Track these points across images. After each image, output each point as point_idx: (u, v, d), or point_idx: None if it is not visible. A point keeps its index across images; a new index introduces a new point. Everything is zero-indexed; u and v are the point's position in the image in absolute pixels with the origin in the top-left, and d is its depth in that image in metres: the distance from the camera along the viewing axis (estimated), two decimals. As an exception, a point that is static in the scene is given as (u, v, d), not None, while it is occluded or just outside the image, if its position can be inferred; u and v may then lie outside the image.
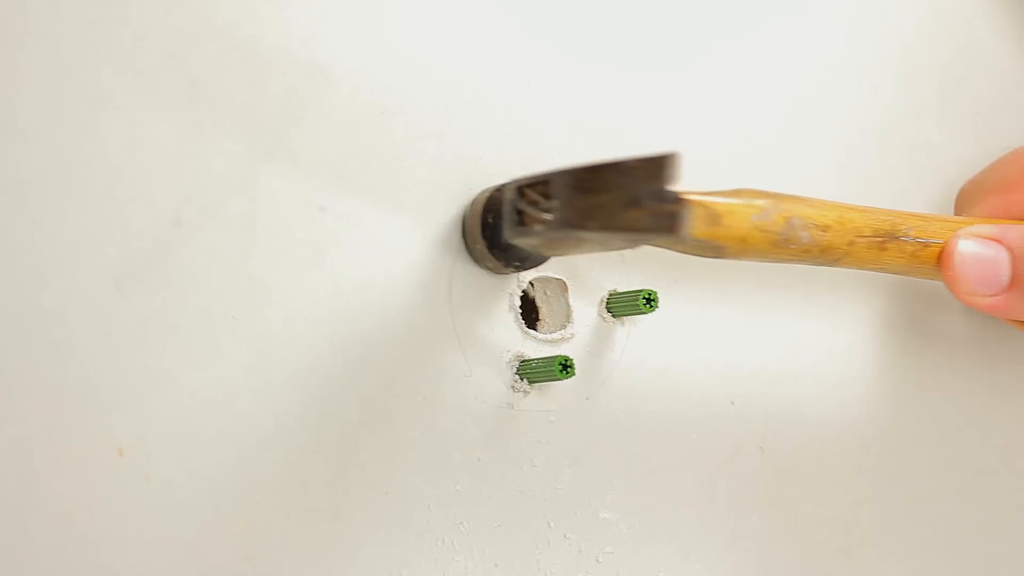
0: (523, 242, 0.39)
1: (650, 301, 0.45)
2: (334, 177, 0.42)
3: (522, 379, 0.45)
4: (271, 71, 0.41)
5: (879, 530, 0.52)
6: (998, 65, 0.56)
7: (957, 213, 0.52)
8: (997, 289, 0.45)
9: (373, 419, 0.42)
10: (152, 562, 0.38)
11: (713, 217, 0.40)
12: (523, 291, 0.46)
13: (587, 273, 0.47)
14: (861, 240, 0.44)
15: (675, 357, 0.48)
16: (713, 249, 0.41)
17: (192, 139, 0.39)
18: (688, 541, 0.48)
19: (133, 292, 0.38)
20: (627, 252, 0.47)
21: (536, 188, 0.38)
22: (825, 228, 0.42)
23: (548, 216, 0.37)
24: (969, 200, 0.51)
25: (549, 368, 0.44)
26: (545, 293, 0.47)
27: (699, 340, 0.49)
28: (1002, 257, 0.45)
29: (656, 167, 0.36)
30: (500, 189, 0.42)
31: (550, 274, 0.46)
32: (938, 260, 0.46)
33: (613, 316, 0.47)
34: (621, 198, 0.36)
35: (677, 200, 0.36)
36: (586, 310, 0.47)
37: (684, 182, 0.37)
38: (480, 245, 0.43)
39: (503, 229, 0.39)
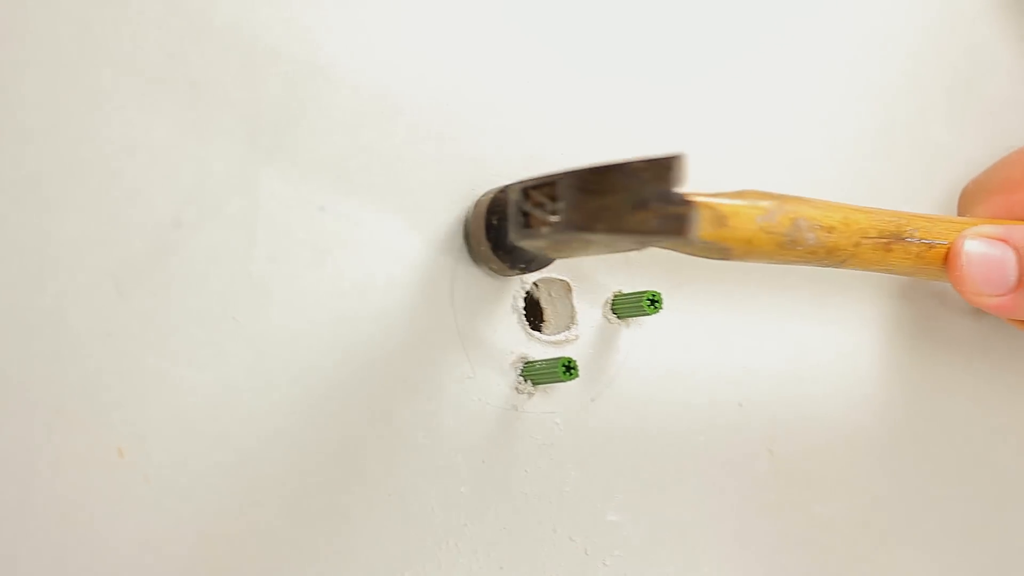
0: (529, 244, 0.39)
1: (654, 303, 0.45)
2: (335, 178, 0.42)
3: (526, 381, 0.45)
4: (271, 71, 0.41)
5: (891, 533, 0.52)
6: (1005, 65, 0.56)
7: (960, 214, 0.52)
8: (1004, 289, 0.45)
9: (375, 421, 0.42)
10: (152, 564, 0.38)
11: (719, 219, 0.40)
12: (527, 292, 0.46)
13: (592, 274, 0.46)
14: (866, 241, 0.43)
15: (682, 359, 0.48)
16: (719, 251, 0.41)
17: (192, 140, 0.39)
18: (696, 544, 0.48)
19: (133, 293, 0.38)
20: (632, 254, 0.47)
21: (541, 190, 0.38)
22: (830, 229, 0.42)
23: (554, 218, 0.37)
24: (972, 200, 0.51)
25: (552, 370, 0.43)
26: (549, 294, 0.47)
27: (706, 342, 0.49)
28: (1009, 257, 0.45)
29: (663, 168, 0.36)
30: (504, 190, 0.42)
31: (554, 275, 0.46)
32: (944, 261, 0.46)
33: (618, 318, 0.47)
34: (628, 200, 0.36)
35: (685, 202, 0.36)
36: (590, 312, 0.47)
37: (689, 183, 0.36)
38: (484, 247, 0.42)
39: (509, 231, 0.39)
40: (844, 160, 0.53)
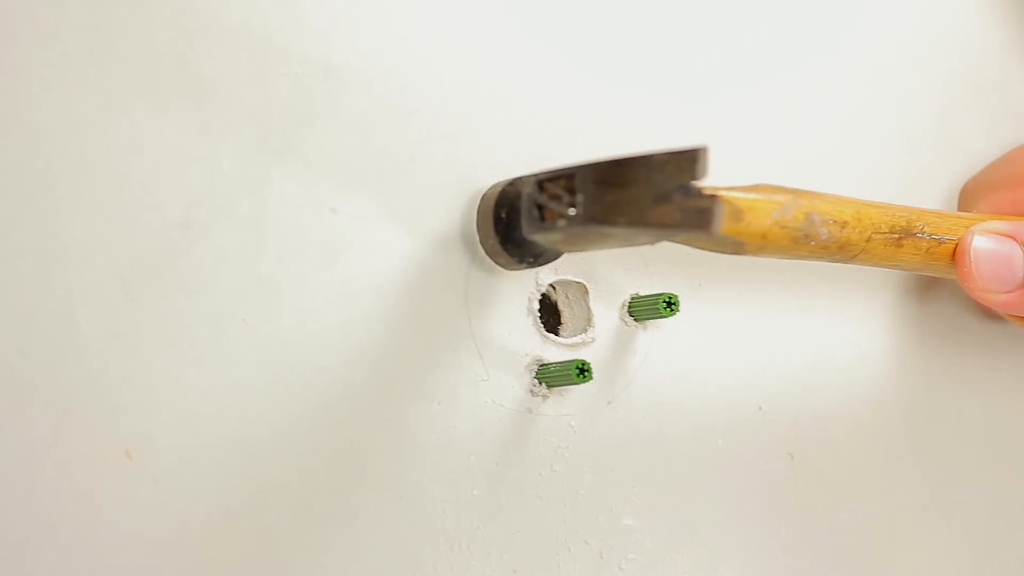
0: (543, 238, 0.39)
1: (671, 305, 0.45)
2: (346, 178, 0.41)
3: (541, 383, 0.44)
4: (282, 72, 0.41)
5: (914, 539, 0.51)
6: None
7: (961, 209, 0.51)
8: (1012, 286, 0.45)
9: (387, 422, 0.42)
10: (160, 565, 0.38)
11: (736, 213, 0.39)
12: (544, 294, 0.45)
13: (609, 276, 0.46)
14: (878, 236, 0.43)
15: (700, 361, 0.48)
16: (734, 245, 0.40)
17: (201, 140, 0.39)
18: (714, 550, 0.47)
19: (142, 295, 0.38)
20: (649, 255, 0.47)
21: (557, 183, 0.38)
22: (843, 224, 0.42)
23: (572, 211, 0.37)
24: (973, 196, 0.50)
25: (566, 372, 0.43)
26: (567, 296, 0.46)
27: (725, 344, 0.48)
28: (1016, 253, 0.45)
29: (686, 161, 0.35)
30: (513, 183, 0.41)
31: (571, 278, 0.46)
32: (952, 257, 0.45)
33: (635, 320, 0.46)
34: (649, 193, 0.35)
35: (708, 196, 0.35)
36: (607, 314, 0.46)
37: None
38: (492, 240, 0.42)
39: (522, 225, 0.39)
40: (869, 160, 0.52)
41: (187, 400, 0.39)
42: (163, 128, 0.39)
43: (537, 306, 0.45)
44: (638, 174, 0.36)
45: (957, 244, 0.45)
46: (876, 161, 0.52)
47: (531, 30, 0.46)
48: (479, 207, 0.43)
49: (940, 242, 0.45)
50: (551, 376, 0.44)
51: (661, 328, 0.47)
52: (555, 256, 0.43)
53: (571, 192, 0.37)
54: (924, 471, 0.52)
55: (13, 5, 0.37)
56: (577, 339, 0.46)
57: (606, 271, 0.46)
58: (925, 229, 0.44)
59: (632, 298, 0.46)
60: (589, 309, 0.46)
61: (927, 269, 0.46)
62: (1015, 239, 0.45)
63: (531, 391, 0.44)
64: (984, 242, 0.45)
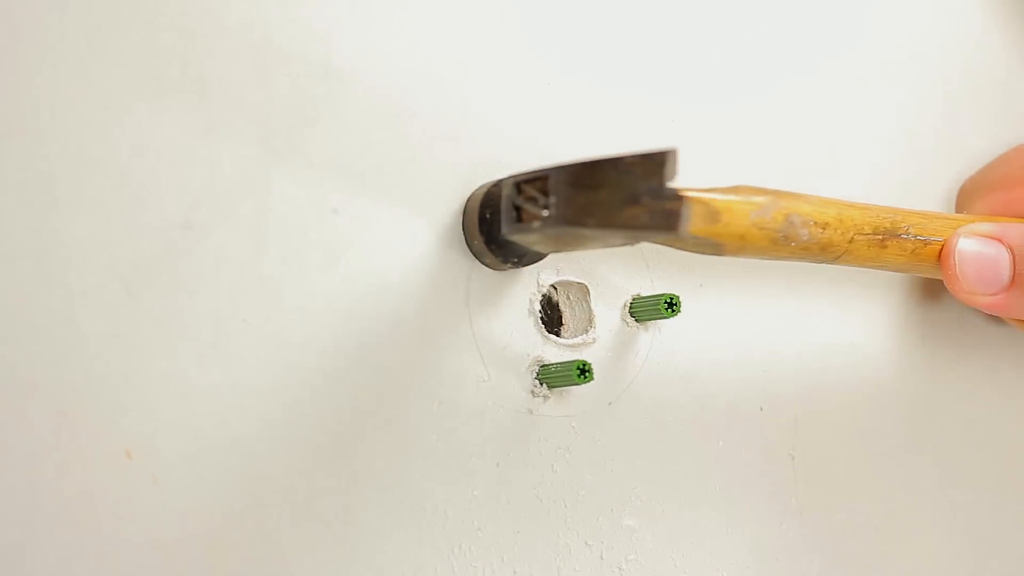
0: (521, 238, 0.39)
1: (672, 305, 0.45)
2: (347, 179, 0.41)
3: (542, 384, 0.44)
4: (283, 72, 0.41)
5: (914, 539, 0.51)
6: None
7: (958, 210, 0.52)
8: (997, 288, 0.45)
9: (388, 423, 0.42)
10: (160, 566, 0.38)
11: (712, 215, 0.39)
12: (546, 295, 0.45)
13: (610, 277, 0.46)
14: (861, 238, 0.43)
15: (701, 362, 0.48)
16: (712, 247, 0.41)
17: (203, 141, 0.39)
18: (715, 550, 0.47)
19: (142, 294, 0.38)
20: (650, 256, 0.47)
21: (534, 184, 0.38)
22: (824, 226, 0.42)
23: (545, 213, 0.37)
24: (970, 197, 0.50)
25: (567, 373, 0.43)
26: (568, 297, 0.46)
27: (726, 344, 0.48)
28: (1002, 256, 0.45)
29: (655, 164, 0.36)
30: (498, 184, 0.42)
31: (572, 278, 0.46)
32: (938, 258, 0.45)
33: (636, 321, 0.46)
34: (619, 195, 0.36)
35: (676, 197, 0.36)
36: (609, 314, 0.46)
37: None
38: (478, 240, 0.42)
39: (501, 225, 0.39)
40: (873, 162, 0.52)
41: (187, 400, 0.38)
42: (164, 128, 0.39)
43: (539, 307, 0.45)
44: (608, 176, 0.36)
45: (943, 246, 0.45)
46: (878, 161, 0.52)
47: (531, 30, 0.46)
48: (465, 207, 0.43)
49: (925, 243, 0.45)
50: (552, 377, 0.44)
51: (662, 329, 0.47)
52: (539, 257, 0.43)
53: (545, 194, 0.37)
54: (925, 471, 0.52)
55: (14, 5, 0.37)
56: (578, 340, 0.46)
57: (607, 272, 0.46)
58: (910, 230, 0.44)
59: (633, 299, 0.46)
60: (590, 310, 0.46)
61: (912, 270, 0.46)
62: (1001, 241, 0.45)
63: (532, 392, 0.44)
64: (969, 244, 0.45)
